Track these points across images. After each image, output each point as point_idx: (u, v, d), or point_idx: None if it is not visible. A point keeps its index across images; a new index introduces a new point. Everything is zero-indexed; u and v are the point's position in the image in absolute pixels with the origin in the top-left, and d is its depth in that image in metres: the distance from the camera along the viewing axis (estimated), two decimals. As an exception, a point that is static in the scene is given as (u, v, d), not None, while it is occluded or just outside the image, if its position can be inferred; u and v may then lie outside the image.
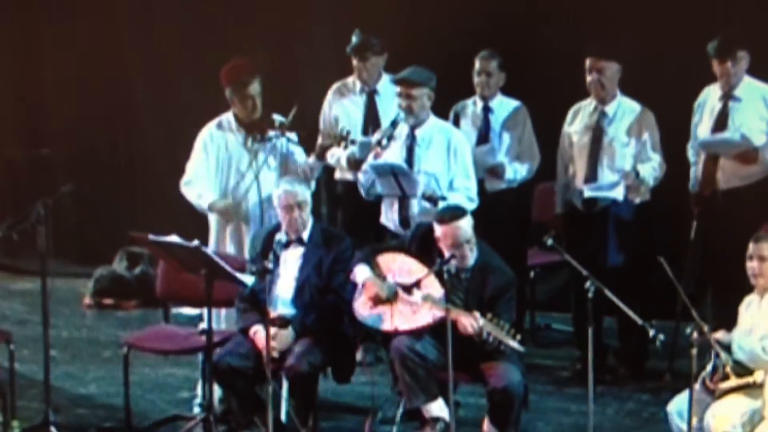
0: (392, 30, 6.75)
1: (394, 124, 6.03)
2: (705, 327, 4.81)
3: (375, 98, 6.59)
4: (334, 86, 6.74)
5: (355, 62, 6.58)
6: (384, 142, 5.97)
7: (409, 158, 5.97)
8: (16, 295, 7.94)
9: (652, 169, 6.20)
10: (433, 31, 7.33)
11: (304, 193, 5.59)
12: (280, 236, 5.53)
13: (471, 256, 5.33)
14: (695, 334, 4.75)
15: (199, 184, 5.99)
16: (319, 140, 6.17)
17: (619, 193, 6.14)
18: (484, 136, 6.53)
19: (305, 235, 5.61)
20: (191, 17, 8.14)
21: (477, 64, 6.51)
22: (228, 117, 6.07)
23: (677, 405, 4.97)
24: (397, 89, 5.98)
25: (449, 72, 6.56)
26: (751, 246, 5.01)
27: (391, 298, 5.36)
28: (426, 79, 5.92)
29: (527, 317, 6.91)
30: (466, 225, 5.32)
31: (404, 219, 5.94)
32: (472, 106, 6.60)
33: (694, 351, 4.71)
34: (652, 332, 5.00)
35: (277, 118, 5.96)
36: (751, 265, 5.00)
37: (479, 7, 7.25)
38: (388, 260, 5.46)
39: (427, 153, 5.95)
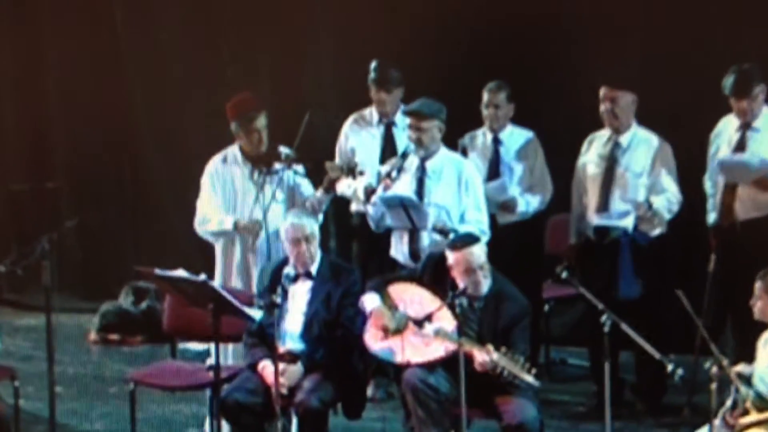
0: (400, 59, 6.78)
1: (404, 155, 6.07)
2: (724, 361, 4.79)
3: (392, 130, 6.62)
4: (351, 117, 6.78)
5: (375, 94, 6.61)
6: (394, 174, 6.00)
7: (420, 190, 6.00)
8: (21, 331, 7.93)
9: (666, 201, 6.18)
10: (443, 60, 7.37)
11: (312, 226, 5.61)
12: (288, 270, 5.56)
13: (485, 283, 5.35)
14: (714, 369, 4.73)
15: (213, 214, 6.01)
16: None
17: (628, 223, 6.14)
18: (494, 169, 6.54)
19: (313, 269, 5.63)
20: (196, 48, 8.21)
21: (485, 97, 6.54)
22: (233, 150, 6.12)
23: (696, 441, 4.94)
24: (407, 121, 6.01)
25: (459, 102, 6.60)
26: (757, 284, 5.00)
27: (400, 329, 5.35)
28: (436, 111, 5.96)
29: (542, 351, 6.90)
30: (478, 251, 5.35)
31: (414, 252, 5.96)
32: (482, 137, 6.62)
33: (714, 386, 4.68)
34: (670, 366, 4.99)
35: (284, 150, 6.00)
36: (756, 305, 4.99)
37: (490, 35, 7.28)
38: (400, 290, 5.48)
39: (437, 185, 5.98)
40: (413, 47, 7.32)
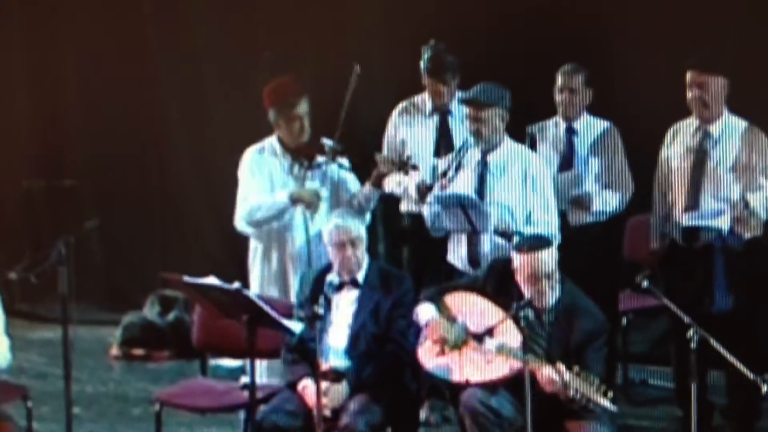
0: (455, 41, 6.75)
1: (461, 150, 6.03)
2: (827, 381, 4.72)
3: (448, 119, 6.59)
4: (400, 106, 6.77)
5: (431, 85, 6.60)
6: (451, 173, 5.97)
7: (481, 188, 5.97)
8: (35, 345, 8.03)
9: (764, 198, 6.11)
10: (507, 44, 7.34)
11: (359, 228, 5.61)
12: (332, 278, 5.57)
13: (550, 295, 5.32)
14: (814, 390, 4.67)
15: (261, 200, 5.99)
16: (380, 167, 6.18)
17: (724, 223, 6.06)
18: (567, 161, 6.52)
19: (360, 276, 5.64)
20: (229, 40, 8.27)
21: (559, 80, 6.50)
22: (271, 141, 6.14)
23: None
24: (465, 110, 5.98)
25: (523, 88, 6.55)
26: None
27: (459, 344, 5.33)
28: (497, 98, 5.93)
29: (619, 371, 6.87)
30: (548, 257, 5.32)
31: (473, 257, 5.94)
32: (554, 127, 6.59)
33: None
34: (765, 388, 4.97)
35: (327, 142, 5.99)
36: None
37: (561, 17, 7.25)
38: (459, 301, 5.47)
39: (500, 182, 5.95)
40: (469, 27, 7.32)
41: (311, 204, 5.93)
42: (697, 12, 7.11)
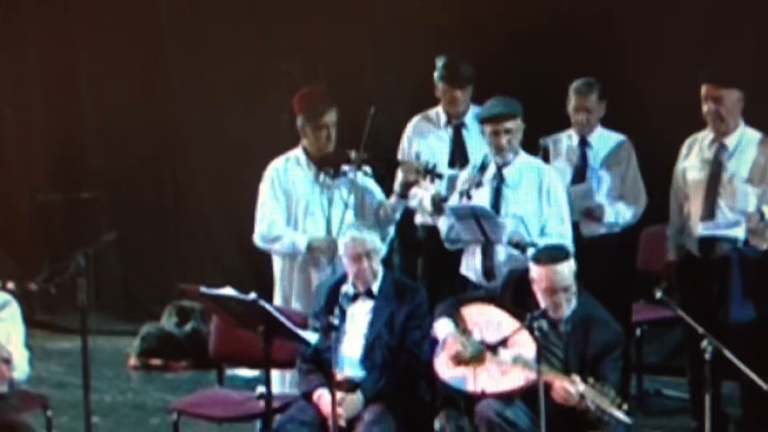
0: (469, 54, 6.75)
1: (482, 168, 6.00)
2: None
3: (462, 132, 6.57)
4: (415, 119, 6.77)
5: (445, 92, 6.59)
6: (473, 191, 5.95)
7: (496, 200, 5.96)
8: (54, 356, 8.03)
9: (781, 210, 6.09)
10: (520, 56, 7.33)
11: (374, 241, 5.62)
12: (347, 288, 5.58)
13: (566, 307, 5.30)
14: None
15: (282, 229, 6.03)
16: (399, 176, 6.17)
17: (739, 233, 6.03)
18: (580, 174, 6.50)
19: (375, 287, 5.64)
20: (244, 52, 8.26)
21: (573, 100, 6.47)
22: (296, 153, 6.16)
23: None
24: (488, 129, 5.95)
25: (539, 101, 6.54)
26: None
27: (476, 358, 5.31)
28: (517, 109, 5.95)
29: (634, 381, 6.85)
30: (566, 270, 5.29)
31: (488, 269, 5.92)
32: (567, 140, 6.58)
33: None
34: (779, 399, 4.93)
35: (352, 153, 6.00)
36: None
37: (575, 29, 7.23)
38: (475, 313, 5.46)
39: (515, 194, 5.95)
40: (482, 41, 7.30)
41: (326, 253, 5.95)
42: (712, 23, 7.09)
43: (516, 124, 5.91)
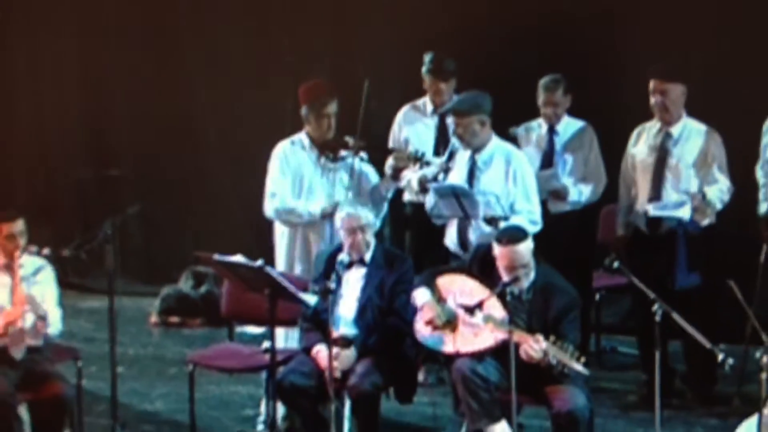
0: (454, 50, 6.75)
1: (450, 156, 6.03)
2: (775, 350, 4.72)
3: (446, 120, 6.60)
4: (404, 108, 6.77)
5: (431, 84, 6.60)
6: (440, 176, 5.99)
7: (470, 181, 5.96)
8: (84, 314, 8.02)
9: (719, 191, 6.11)
10: (496, 51, 7.32)
11: (367, 216, 5.63)
12: (343, 257, 5.58)
13: (525, 281, 5.29)
14: (765, 359, 4.67)
15: (293, 202, 6.03)
16: (390, 161, 6.20)
17: (686, 213, 6.06)
18: (548, 159, 6.50)
19: (367, 257, 5.65)
20: (254, 39, 8.24)
21: (542, 96, 6.48)
22: (301, 137, 6.15)
23: (746, 430, 4.88)
24: (450, 119, 5.97)
25: (513, 92, 6.55)
26: None
27: (449, 323, 5.34)
28: (472, 107, 5.89)
29: (592, 340, 6.86)
30: (524, 249, 5.28)
31: (463, 241, 5.94)
32: (537, 128, 6.58)
33: (764, 375, 4.63)
34: (720, 356, 4.94)
35: (350, 139, 6.01)
36: None
37: (542, 26, 7.22)
38: (449, 282, 5.45)
39: (486, 175, 5.94)
40: (466, 38, 7.29)
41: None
42: (666, 25, 7.08)
43: (468, 121, 5.86)
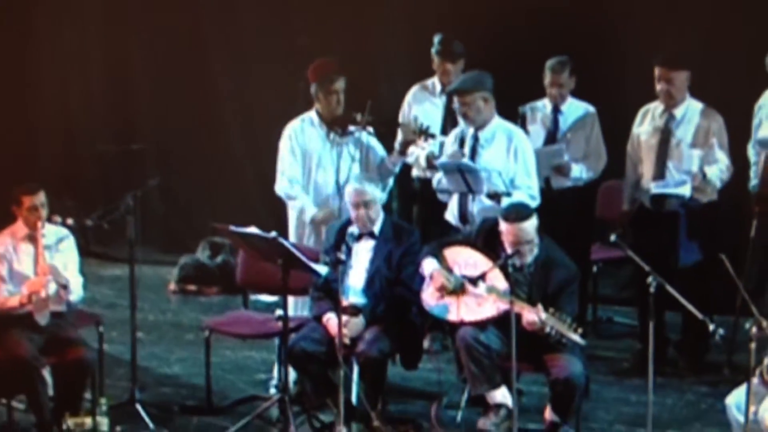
0: (463, 32, 6.71)
1: (461, 143, 6.00)
2: (764, 322, 4.73)
3: (454, 99, 6.57)
4: (414, 88, 6.75)
5: (439, 65, 6.57)
6: (433, 160, 6.02)
7: (472, 157, 5.92)
8: (106, 281, 8.05)
9: (719, 170, 6.09)
10: (505, 32, 7.27)
11: (373, 192, 5.61)
12: (353, 229, 5.58)
13: (529, 256, 5.29)
14: (754, 329, 4.69)
15: (298, 191, 6.03)
16: (399, 137, 6.18)
17: (686, 191, 6.05)
18: (552, 137, 6.49)
19: (376, 229, 5.64)
20: (270, 19, 8.22)
21: (548, 77, 6.44)
22: (310, 114, 6.14)
23: (736, 398, 4.89)
24: (454, 99, 5.95)
25: (519, 73, 6.51)
26: None
27: (457, 290, 5.34)
28: (476, 85, 5.85)
29: (590, 310, 6.86)
30: (529, 227, 5.27)
31: (463, 215, 5.92)
32: (543, 108, 6.55)
33: (753, 345, 4.64)
34: (711, 327, 4.94)
35: (358, 115, 5.99)
36: None
37: (552, 9, 7.17)
38: (454, 253, 5.45)
39: (488, 152, 5.90)
40: (475, 20, 7.23)
41: (326, 223, 5.91)
42: (665, 11, 7.03)
43: (472, 98, 5.81)
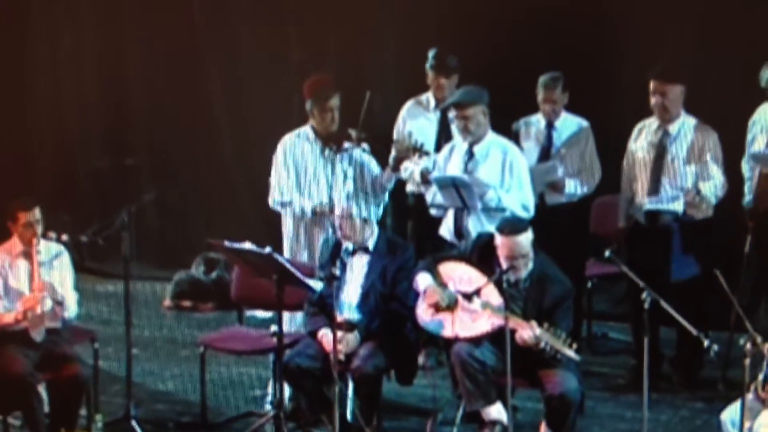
0: (457, 47, 6.74)
1: (435, 162, 6.02)
2: (758, 338, 4.74)
3: (448, 115, 6.58)
4: (408, 103, 6.77)
5: (434, 80, 6.59)
6: (427, 175, 6.02)
7: (466, 172, 5.93)
8: (101, 297, 8.02)
9: (714, 186, 6.10)
10: (499, 48, 7.30)
11: (355, 210, 5.57)
12: (347, 244, 5.58)
13: (524, 270, 5.30)
14: (749, 345, 4.69)
15: (290, 195, 6.04)
16: (393, 153, 6.20)
17: (678, 206, 6.06)
18: (546, 152, 6.50)
19: (371, 244, 5.64)
20: (265, 33, 8.24)
21: (540, 93, 6.45)
22: (305, 129, 6.15)
23: (731, 414, 4.90)
24: (452, 113, 5.96)
25: (513, 88, 6.52)
26: None
27: (450, 306, 5.35)
28: (476, 98, 5.89)
29: (585, 326, 6.87)
30: (524, 240, 5.28)
31: (458, 230, 5.93)
32: (536, 123, 6.57)
33: (748, 361, 4.64)
34: (706, 342, 4.95)
35: (353, 131, 6.00)
36: None
37: (546, 24, 7.20)
38: (449, 269, 5.46)
39: (482, 166, 5.92)
40: (470, 35, 7.26)
41: (328, 214, 5.93)
42: (659, 27, 7.07)
43: (473, 111, 5.84)
